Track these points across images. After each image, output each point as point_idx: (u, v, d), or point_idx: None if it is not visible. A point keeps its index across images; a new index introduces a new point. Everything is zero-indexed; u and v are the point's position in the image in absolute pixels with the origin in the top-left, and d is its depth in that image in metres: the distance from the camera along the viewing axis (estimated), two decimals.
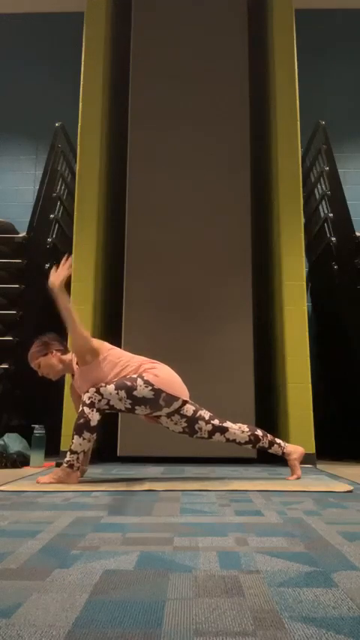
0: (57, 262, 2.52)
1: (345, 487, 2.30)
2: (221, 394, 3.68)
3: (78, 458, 2.41)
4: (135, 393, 2.41)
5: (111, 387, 2.41)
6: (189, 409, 2.50)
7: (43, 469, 3.19)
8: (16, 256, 4.24)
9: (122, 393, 2.41)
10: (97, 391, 2.41)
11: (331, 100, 5.96)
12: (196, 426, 2.50)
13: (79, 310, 3.87)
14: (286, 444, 2.62)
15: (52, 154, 4.68)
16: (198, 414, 2.50)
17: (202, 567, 1.07)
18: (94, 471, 2.93)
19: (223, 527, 1.46)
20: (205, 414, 2.53)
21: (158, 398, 2.44)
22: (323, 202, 4.68)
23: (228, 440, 2.53)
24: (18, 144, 6.16)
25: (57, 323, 4.48)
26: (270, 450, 2.61)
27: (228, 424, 2.53)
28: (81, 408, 2.41)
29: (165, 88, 4.35)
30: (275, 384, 4.09)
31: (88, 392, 2.42)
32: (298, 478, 2.59)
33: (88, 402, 2.39)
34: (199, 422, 2.50)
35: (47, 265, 4.38)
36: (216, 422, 2.52)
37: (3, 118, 6.19)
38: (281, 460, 3.67)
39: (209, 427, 2.50)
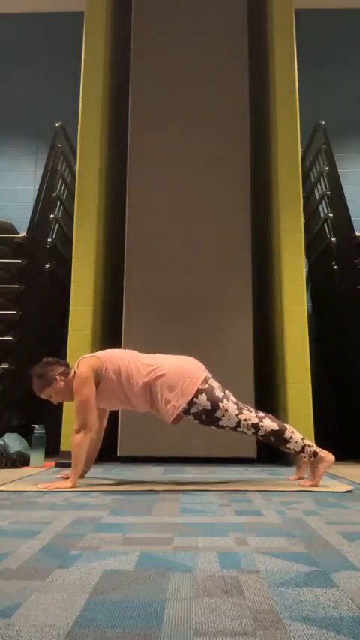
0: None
1: (345, 487, 2.30)
2: None
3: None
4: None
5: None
6: (210, 392, 2.55)
7: (43, 469, 3.19)
8: (16, 256, 4.23)
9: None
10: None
11: (331, 100, 5.96)
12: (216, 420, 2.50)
13: (79, 310, 3.89)
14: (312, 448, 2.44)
15: (52, 154, 4.68)
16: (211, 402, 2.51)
17: (202, 567, 1.07)
18: (94, 470, 2.93)
19: (223, 527, 1.46)
20: (223, 403, 2.50)
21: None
22: (323, 202, 4.68)
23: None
24: (18, 144, 6.16)
25: (56, 323, 4.45)
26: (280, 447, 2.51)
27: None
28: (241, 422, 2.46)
29: (165, 87, 4.35)
30: (275, 384, 4.09)
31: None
32: (300, 478, 2.58)
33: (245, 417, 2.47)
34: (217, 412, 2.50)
35: (47, 265, 4.39)
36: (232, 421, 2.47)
37: (3, 118, 6.19)
38: (281, 460, 3.68)
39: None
